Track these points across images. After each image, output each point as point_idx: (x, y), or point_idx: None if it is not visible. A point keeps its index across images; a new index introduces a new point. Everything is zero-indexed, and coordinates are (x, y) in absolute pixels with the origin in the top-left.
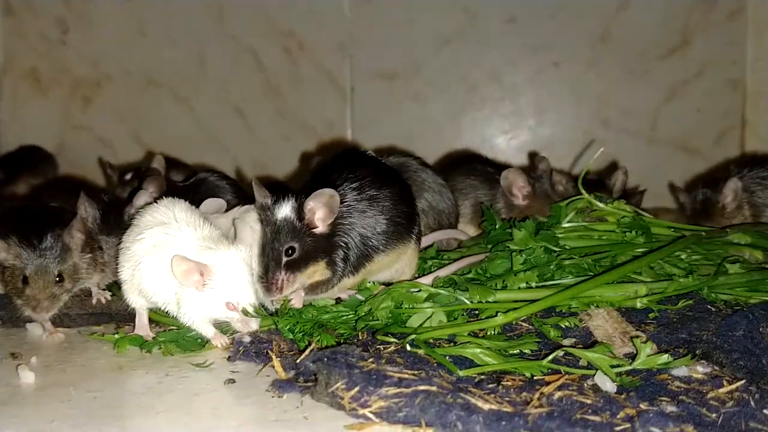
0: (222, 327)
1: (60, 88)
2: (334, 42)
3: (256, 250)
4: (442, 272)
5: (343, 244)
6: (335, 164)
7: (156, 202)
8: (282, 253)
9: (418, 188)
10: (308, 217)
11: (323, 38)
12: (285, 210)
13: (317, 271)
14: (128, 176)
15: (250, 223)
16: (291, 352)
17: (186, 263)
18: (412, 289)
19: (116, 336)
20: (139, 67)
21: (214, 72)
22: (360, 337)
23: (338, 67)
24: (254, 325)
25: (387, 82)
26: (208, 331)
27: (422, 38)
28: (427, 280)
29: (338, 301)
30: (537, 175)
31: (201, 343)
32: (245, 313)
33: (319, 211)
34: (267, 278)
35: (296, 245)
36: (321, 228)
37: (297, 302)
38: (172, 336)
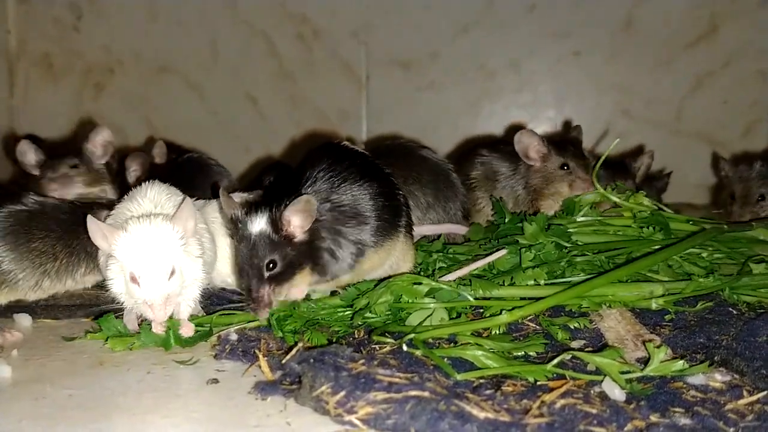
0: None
1: (72, 74)
2: (349, 28)
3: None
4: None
5: (325, 247)
6: (309, 161)
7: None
8: (263, 269)
9: (418, 175)
10: (285, 228)
11: (338, 24)
12: (260, 224)
13: (304, 277)
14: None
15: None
16: (280, 351)
17: (94, 223)
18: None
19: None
20: (151, 54)
21: (226, 58)
22: (356, 336)
23: (353, 54)
24: (158, 314)
25: (403, 70)
26: (126, 314)
27: (439, 25)
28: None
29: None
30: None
31: (190, 338)
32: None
33: (295, 218)
34: (252, 297)
35: (277, 258)
36: (300, 236)
37: (298, 294)
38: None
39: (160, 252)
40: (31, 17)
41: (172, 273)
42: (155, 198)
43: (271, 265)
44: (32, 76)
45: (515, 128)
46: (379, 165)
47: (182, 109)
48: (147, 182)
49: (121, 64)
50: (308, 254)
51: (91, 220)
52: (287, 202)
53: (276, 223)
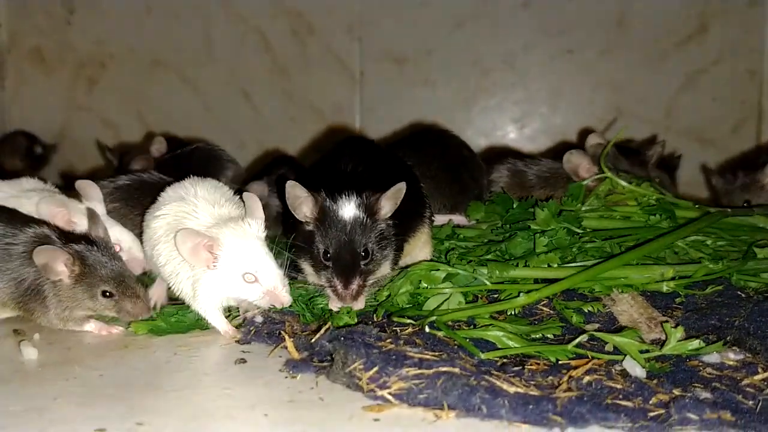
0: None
1: (64, 68)
2: (344, 24)
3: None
4: None
5: (394, 237)
6: (337, 154)
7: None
8: (359, 258)
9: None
10: (378, 215)
11: (332, 20)
12: (353, 209)
13: (385, 269)
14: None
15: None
16: (304, 333)
17: (191, 238)
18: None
19: None
20: (145, 48)
21: (220, 53)
22: (375, 319)
23: (347, 50)
24: (286, 297)
25: (397, 65)
26: (220, 323)
27: (434, 21)
28: None
29: None
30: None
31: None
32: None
33: (388, 205)
34: (344, 285)
35: (371, 248)
36: (383, 225)
37: (360, 304)
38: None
39: (264, 246)
40: (23, 10)
41: None
42: (209, 196)
43: (364, 255)
44: (24, 69)
45: (565, 146)
46: (401, 159)
47: (176, 103)
48: (193, 179)
49: (113, 58)
50: (387, 245)
51: (185, 235)
52: (380, 189)
53: (372, 210)
